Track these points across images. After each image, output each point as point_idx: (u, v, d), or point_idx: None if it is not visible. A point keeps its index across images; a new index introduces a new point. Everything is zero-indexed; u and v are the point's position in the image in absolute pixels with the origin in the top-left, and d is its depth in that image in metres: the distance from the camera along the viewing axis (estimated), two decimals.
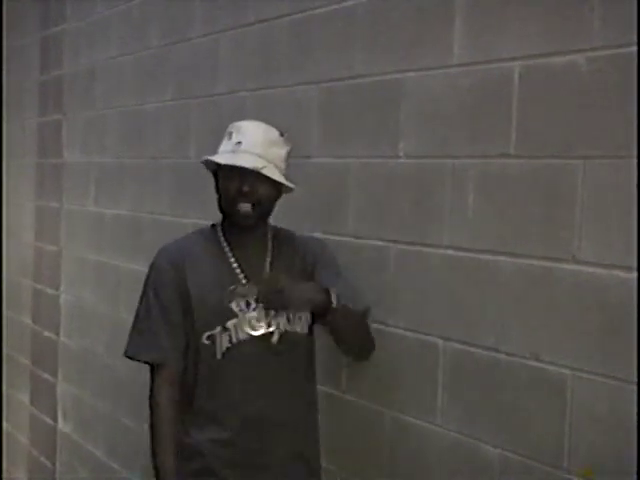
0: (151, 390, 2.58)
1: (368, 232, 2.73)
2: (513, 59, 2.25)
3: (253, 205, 2.51)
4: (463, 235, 2.40)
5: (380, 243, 2.68)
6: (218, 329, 2.53)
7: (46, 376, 5.31)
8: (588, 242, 2.07)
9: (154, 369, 2.59)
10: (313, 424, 2.68)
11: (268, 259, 2.61)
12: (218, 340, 2.53)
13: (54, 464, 5.19)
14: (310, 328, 2.63)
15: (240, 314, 2.54)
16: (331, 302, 2.43)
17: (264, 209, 2.56)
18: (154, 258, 2.64)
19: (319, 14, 2.94)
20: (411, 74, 2.57)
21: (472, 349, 2.37)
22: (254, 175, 2.48)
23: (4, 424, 6.07)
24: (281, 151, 2.57)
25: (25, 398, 5.70)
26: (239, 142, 2.52)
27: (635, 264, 1.98)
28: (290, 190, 2.60)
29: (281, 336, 2.56)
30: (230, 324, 2.53)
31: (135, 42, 4.24)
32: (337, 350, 2.70)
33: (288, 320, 2.57)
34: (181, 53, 3.82)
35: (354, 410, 2.77)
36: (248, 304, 2.54)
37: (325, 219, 2.90)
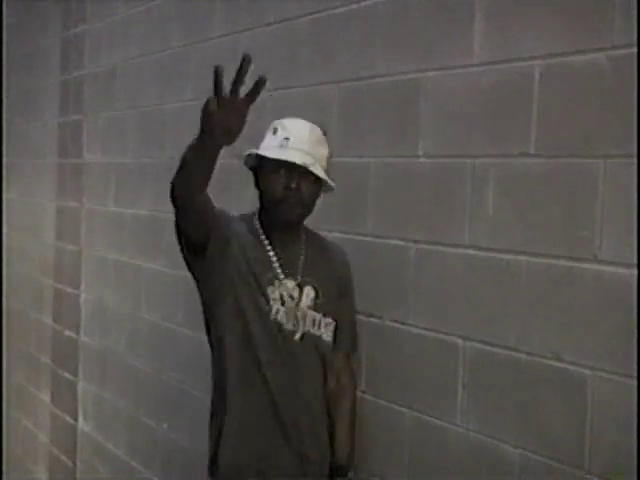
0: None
1: (388, 232, 2.73)
2: (533, 58, 2.24)
3: (299, 203, 2.51)
4: (483, 235, 2.40)
5: (400, 243, 2.68)
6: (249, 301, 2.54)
7: (67, 375, 5.33)
8: (609, 241, 2.06)
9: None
10: (322, 426, 2.65)
11: (302, 257, 2.61)
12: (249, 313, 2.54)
13: (74, 463, 5.22)
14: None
15: (272, 302, 2.55)
16: None
17: (308, 207, 2.57)
18: None
19: (339, 14, 2.94)
20: (431, 73, 2.57)
21: (492, 349, 2.36)
22: (301, 172, 2.48)
23: (26, 423, 6.12)
24: (325, 151, 2.58)
25: (46, 397, 5.73)
26: (286, 138, 2.50)
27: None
28: (331, 190, 2.60)
29: (303, 335, 2.57)
30: (269, 307, 2.56)
31: (155, 42, 4.26)
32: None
33: (313, 324, 2.58)
34: (201, 53, 3.83)
35: (374, 410, 2.77)
36: (282, 297, 2.56)
37: (345, 219, 2.90)
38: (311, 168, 2.47)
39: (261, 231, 2.61)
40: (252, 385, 2.55)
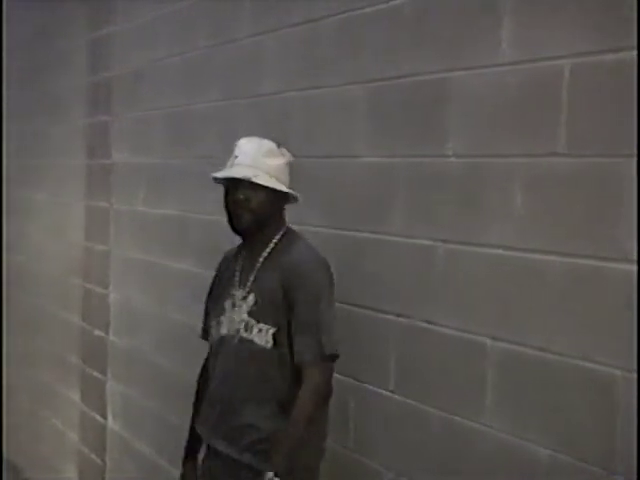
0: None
1: (416, 231, 2.72)
2: (563, 57, 2.23)
3: (248, 213, 2.70)
4: (512, 234, 2.39)
5: (428, 242, 2.67)
6: (214, 322, 2.86)
7: (96, 374, 5.37)
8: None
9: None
10: (251, 430, 2.71)
11: (258, 265, 2.76)
12: (213, 330, 2.87)
13: (104, 461, 5.25)
14: (277, 341, 2.68)
15: (228, 313, 2.77)
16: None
17: (259, 217, 2.72)
18: None
19: (365, 14, 2.93)
20: (458, 73, 2.56)
21: (521, 349, 2.35)
22: (248, 185, 2.67)
23: (54, 421, 6.16)
24: (276, 161, 2.74)
25: (76, 396, 5.77)
26: (236, 156, 2.75)
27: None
28: (295, 199, 2.76)
29: (240, 340, 2.73)
30: (222, 319, 2.81)
31: (182, 43, 4.27)
32: (385, 347, 2.70)
33: (246, 329, 2.71)
34: (228, 54, 3.84)
35: (402, 410, 2.77)
36: (233, 305, 2.77)
37: (373, 219, 2.90)
38: (254, 179, 2.66)
39: (241, 245, 2.85)
40: (211, 379, 2.88)
